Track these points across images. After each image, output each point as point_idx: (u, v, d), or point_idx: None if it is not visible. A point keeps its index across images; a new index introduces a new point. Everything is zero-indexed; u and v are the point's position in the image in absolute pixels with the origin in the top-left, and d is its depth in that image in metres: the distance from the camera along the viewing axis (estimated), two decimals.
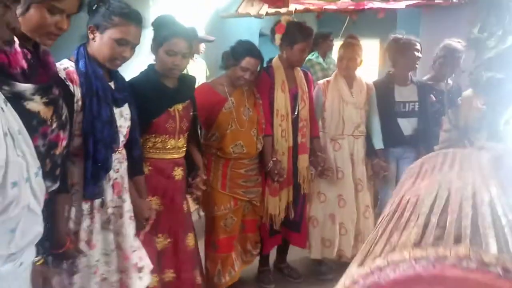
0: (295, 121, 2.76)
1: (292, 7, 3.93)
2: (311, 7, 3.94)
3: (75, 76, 1.62)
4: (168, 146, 2.13)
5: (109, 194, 1.74)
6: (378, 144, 2.96)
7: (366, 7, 3.80)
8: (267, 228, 2.79)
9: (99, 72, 1.66)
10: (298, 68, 2.82)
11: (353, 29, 3.81)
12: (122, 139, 1.78)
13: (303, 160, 2.82)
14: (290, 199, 2.81)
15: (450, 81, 3.20)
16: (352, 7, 3.83)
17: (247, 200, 2.63)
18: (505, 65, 1.91)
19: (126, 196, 1.83)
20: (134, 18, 1.71)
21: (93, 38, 1.67)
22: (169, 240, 2.21)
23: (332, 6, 3.87)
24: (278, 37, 2.72)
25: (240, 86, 2.52)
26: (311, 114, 2.88)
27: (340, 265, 3.02)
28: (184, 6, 3.48)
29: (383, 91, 2.96)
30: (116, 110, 1.73)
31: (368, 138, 2.96)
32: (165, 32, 2.02)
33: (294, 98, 2.75)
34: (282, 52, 2.74)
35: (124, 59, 1.73)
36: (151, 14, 3.25)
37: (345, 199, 2.92)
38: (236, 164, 2.56)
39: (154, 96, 2.05)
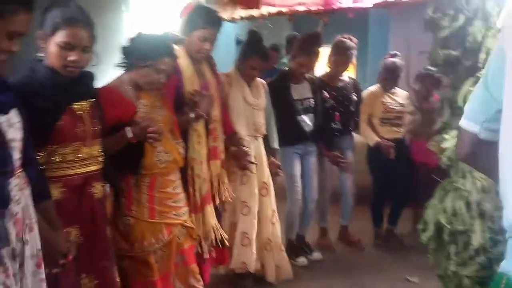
0: (205, 123, 2.41)
1: (265, 10, 4.03)
2: (283, 10, 4.04)
3: None
4: (82, 156, 1.73)
5: (11, 237, 1.27)
6: (274, 143, 2.98)
7: (334, 6, 3.91)
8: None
9: None
10: (205, 62, 2.48)
11: (327, 33, 3.92)
12: (18, 156, 1.33)
13: (215, 167, 2.49)
14: (212, 217, 2.42)
15: (345, 77, 3.41)
16: (322, 7, 3.94)
17: (180, 224, 2.17)
18: (459, 42, 2.01)
19: (30, 236, 1.35)
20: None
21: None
22: (96, 281, 1.77)
23: (302, 7, 3.97)
24: (181, 20, 2.41)
25: (151, 89, 2.07)
26: (223, 111, 2.58)
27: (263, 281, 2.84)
28: (158, 11, 3.57)
29: (279, 90, 3.03)
30: (2, 119, 1.29)
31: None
32: (57, 19, 1.59)
33: None
34: (184, 40, 2.37)
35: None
36: (123, 20, 3.34)
37: (249, 206, 2.72)
38: (164, 182, 2.10)
39: (48, 93, 1.63)
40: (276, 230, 2.87)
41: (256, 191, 2.75)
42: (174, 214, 2.13)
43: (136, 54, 2.00)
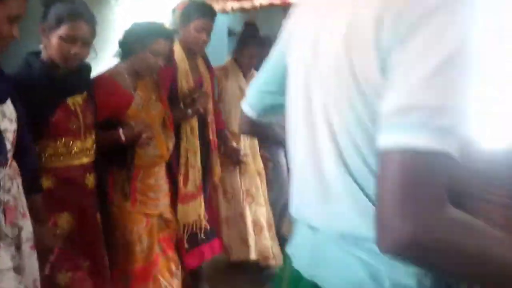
0: (202, 116, 2.48)
1: (257, 2, 4.01)
2: (275, 2, 4.02)
3: None
4: (74, 150, 1.76)
5: (2, 223, 1.34)
6: None
7: None
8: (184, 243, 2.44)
9: None
10: (200, 56, 2.54)
11: None
12: (9, 147, 1.35)
13: (216, 157, 2.62)
14: (203, 207, 2.48)
15: None
16: None
17: (158, 215, 2.23)
18: None
19: (24, 222, 1.43)
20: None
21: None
22: (87, 263, 1.85)
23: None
24: (176, 14, 2.43)
25: (148, 76, 2.11)
26: (214, 106, 2.63)
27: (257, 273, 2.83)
28: (149, 3, 3.54)
29: None
30: None
31: None
32: (62, 13, 1.64)
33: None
34: (180, 34, 2.41)
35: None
36: (115, 15, 3.30)
37: (252, 194, 2.79)
38: (147, 173, 2.13)
39: (43, 87, 1.65)
40: (269, 215, 2.91)
41: (258, 179, 2.81)
42: (153, 205, 2.18)
43: (132, 40, 2.01)
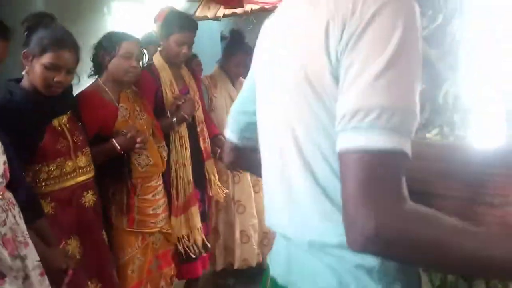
0: (192, 126, 2.45)
1: (248, 7, 4.03)
2: (266, 6, 4.04)
3: None
4: (67, 170, 1.73)
5: (2, 257, 1.30)
6: None
7: None
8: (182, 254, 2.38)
9: None
10: (184, 66, 2.51)
11: None
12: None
13: (211, 166, 2.57)
14: (198, 219, 2.41)
15: None
16: None
17: (157, 231, 2.19)
18: (438, 42, 2.05)
19: (27, 251, 1.38)
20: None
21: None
22: (100, 285, 1.84)
23: None
24: (157, 25, 2.40)
25: (127, 84, 2.09)
26: (205, 114, 2.60)
27: (245, 276, 2.84)
28: (142, 10, 3.54)
29: None
30: None
31: None
32: (45, 41, 1.61)
33: None
34: (161, 45, 2.41)
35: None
36: (106, 22, 3.31)
37: (244, 205, 2.78)
38: (144, 189, 2.09)
39: (28, 113, 1.62)
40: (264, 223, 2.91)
41: (251, 189, 2.79)
42: (152, 222, 2.14)
43: (100, 52, 2.03)
